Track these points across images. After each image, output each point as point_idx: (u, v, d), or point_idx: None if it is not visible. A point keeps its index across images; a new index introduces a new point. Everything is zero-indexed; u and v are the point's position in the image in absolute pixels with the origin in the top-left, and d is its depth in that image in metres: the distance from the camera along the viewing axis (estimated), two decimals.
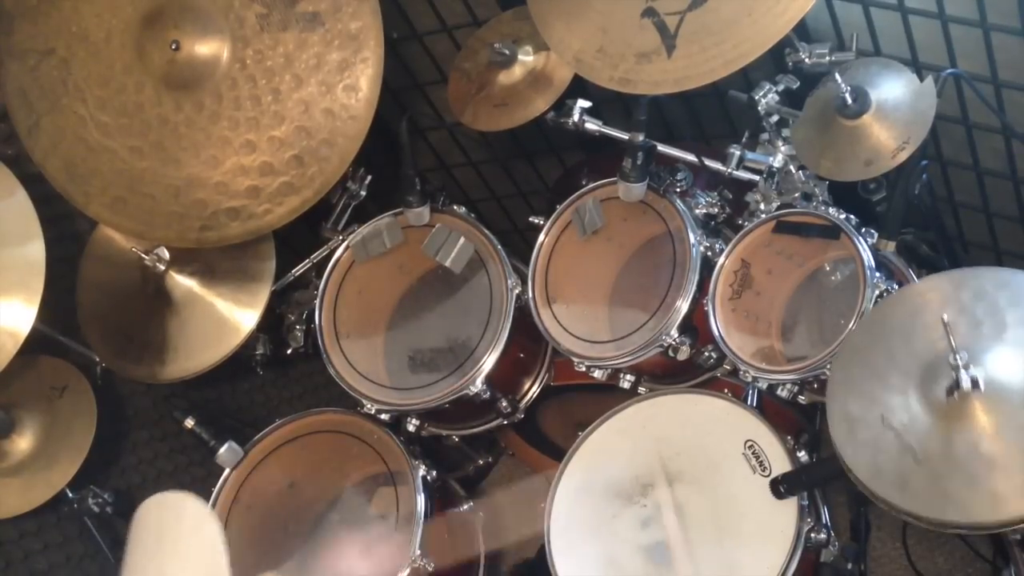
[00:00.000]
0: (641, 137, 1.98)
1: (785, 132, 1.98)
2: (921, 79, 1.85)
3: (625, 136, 2.02)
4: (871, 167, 1.83)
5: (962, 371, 1.48)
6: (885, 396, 1.58)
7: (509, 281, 2.17)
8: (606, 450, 2.04)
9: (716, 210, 2.09)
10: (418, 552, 2.03)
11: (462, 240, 2.22)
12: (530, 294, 2.15)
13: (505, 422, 2.29)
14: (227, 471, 2.21)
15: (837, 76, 1.82)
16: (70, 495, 2.17)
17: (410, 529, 2.07)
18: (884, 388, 1.59)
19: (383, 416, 2.21)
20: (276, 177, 2.04)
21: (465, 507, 2.38)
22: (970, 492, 1.45)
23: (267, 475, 2.25)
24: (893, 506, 1.52)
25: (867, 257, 1.83)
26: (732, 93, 2.06)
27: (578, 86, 2.12)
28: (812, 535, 1.84)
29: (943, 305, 1.60)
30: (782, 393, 1.93)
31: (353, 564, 2.13)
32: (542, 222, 2.20)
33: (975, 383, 1.47)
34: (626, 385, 2.14)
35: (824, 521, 1.91)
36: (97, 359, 2.26)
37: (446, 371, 2.22)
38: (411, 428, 2.27)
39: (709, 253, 2.02)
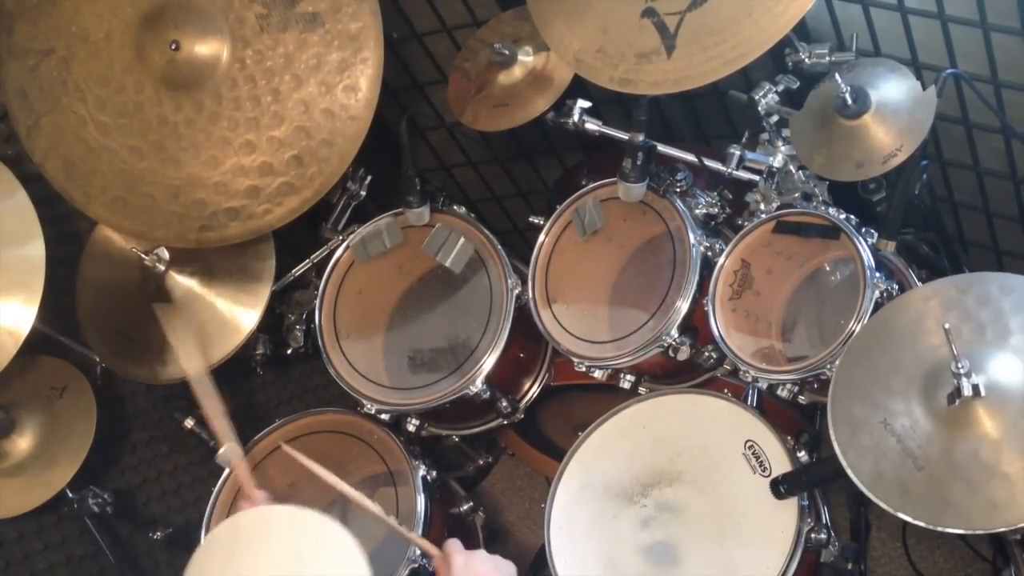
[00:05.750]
0: (641, 137, 1.98)
1: (785, 132, 1.98)
2: (921, 79, 1.85)
3: (625, 136, 2.02)
4: (862, 169, 1.83)
5: (963, 379, 1.47)
6: (887, 400, 1.58)
7: (509, 281, 2.17)
8: (606, 450, 2.04)
9: (716, 210, 2.09)
10: (418, 552, 2.03)
11: (462, 240, 2.22)
12: (530, 294, 2.15)
13: (505, 422, 2.28)
14: (227, 471, 2.21)
15: (837, 76, 1.81)
16: (70, 495, 2.17)
17: (410, 529, 2.07)
18: (887, 392, 1.59)
19: (383, 416, 2.22)
20: (276, 177, 2.04)
21: (465, 507, 2.38)
22: (969, 499, 1.45)
23: (267, 475, 2.25)
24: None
25: (867, 257, 1.83)
26: (732, 93, 2.06)
27: (578, 86, 2.12)
28: (812, 535, 1.84)
29: (947, 310, 1.60)
30: (782, 393, 1.93)
31: None
32: (542, 222, 2.20)
33: (976, 391, 1.47)
34: (626, 385, 2.14)
35: (824, 521, 1.91)
36: (97, 359, 2.26)
37: (446, 371, 2.22)
38: (411, 428, 2.27)
39: (709, 253, 2.02)
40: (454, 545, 1.70)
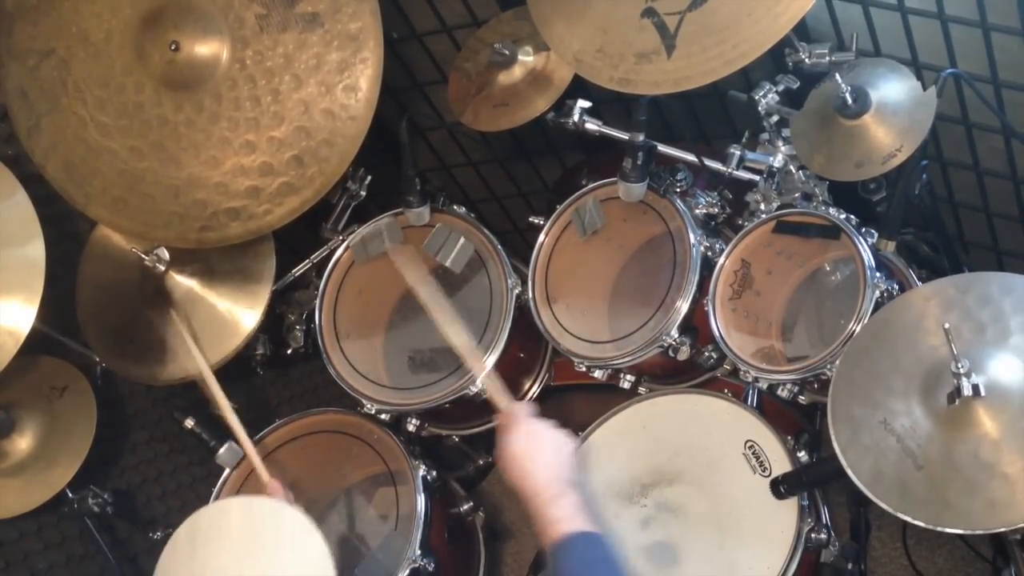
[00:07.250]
0: (641, 137, 1.98)
1: (785, 132, 1.98)
2: (921, 79, 1.85)
3: (625, 136, 2.02)
4: (861, 170, 1.83)
5: (963, 379, 1.47)
6: (887, 400, 1.58)
7: (509, 281, 2.17)
8: (606, 450, 2.04)
9: (716, 210, 2.09)
10: (418, 552, 2.03)
11: (462, 240, 2.22)
12: (530, 294, 2.15)
13: None
14: (227, 471, 2.21)
15: (837, 76, 1.82)
16: (70, 495, 2.17)
17: (410, 529, 2.07)
18: (887, 392, 1.59)
19: (383, 416, 2.22)
20: (276, 177, 2.04)
21: (465, 507, 2.38)
22: (969, 499, 1.45)
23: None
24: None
25: (867, 257, 1.83)
26: (732, 93, 2.06)
27: (578, 86, 2.12)
28: (812, 535, 1.84)
29: (947, 310, 1.60)
30: (782, 393, 1.93)
31: None
32: (542, 222, 2.20)
33: (976, 390, 1.47)
34: (626, 385, 2.14)
35: (824, 521, 1.91)
36: (97, 359, 2.26)
37: (446, 371, 2.22)
38: (411, 428, 2.27)
39: (709, 253, 2.02)
40: (522, 409, 1.79)
